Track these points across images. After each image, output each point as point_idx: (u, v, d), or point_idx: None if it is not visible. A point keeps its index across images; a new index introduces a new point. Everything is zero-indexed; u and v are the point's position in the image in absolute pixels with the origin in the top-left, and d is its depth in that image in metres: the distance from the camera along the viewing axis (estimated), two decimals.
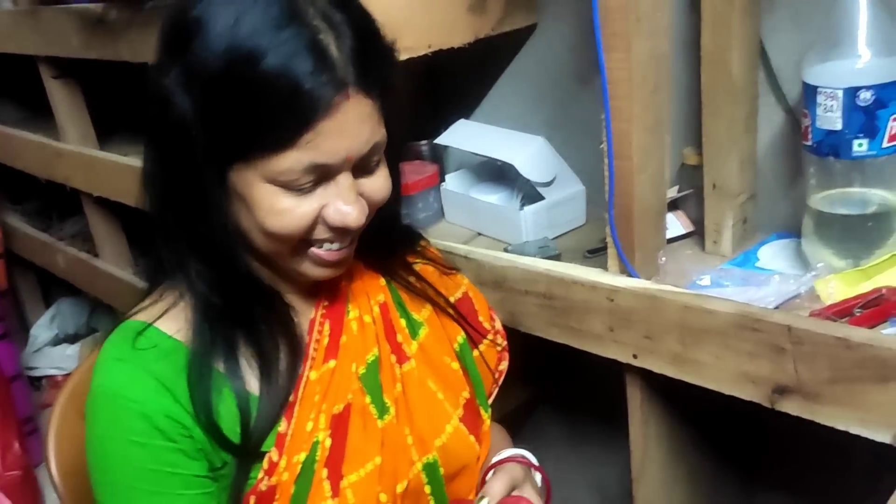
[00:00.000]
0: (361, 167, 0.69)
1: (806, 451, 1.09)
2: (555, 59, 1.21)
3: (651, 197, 0.90)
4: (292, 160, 0.64)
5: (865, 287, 0.85)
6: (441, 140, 1.24)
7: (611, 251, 0.92)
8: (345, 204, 0.67)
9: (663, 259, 0.94)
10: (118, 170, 1.70)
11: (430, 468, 0.78)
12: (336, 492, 0.72)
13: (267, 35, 0.61)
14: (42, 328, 2.64)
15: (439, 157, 1.33)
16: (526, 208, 1.12)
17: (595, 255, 1.06)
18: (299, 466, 0.71)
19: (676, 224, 1.07)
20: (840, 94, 0.82)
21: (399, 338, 0.81)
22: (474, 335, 0.87)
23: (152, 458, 0.68)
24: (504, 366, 0.91)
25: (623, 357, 0.92)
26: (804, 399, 0.76)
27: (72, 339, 2.66)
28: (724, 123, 0.96)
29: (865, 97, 0.81)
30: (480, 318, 0.90)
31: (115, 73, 1.73)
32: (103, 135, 1.87)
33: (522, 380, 0.93)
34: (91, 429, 0.70)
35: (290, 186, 0.66)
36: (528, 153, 1.12)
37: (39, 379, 2.52)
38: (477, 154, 1.24)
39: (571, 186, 1.16)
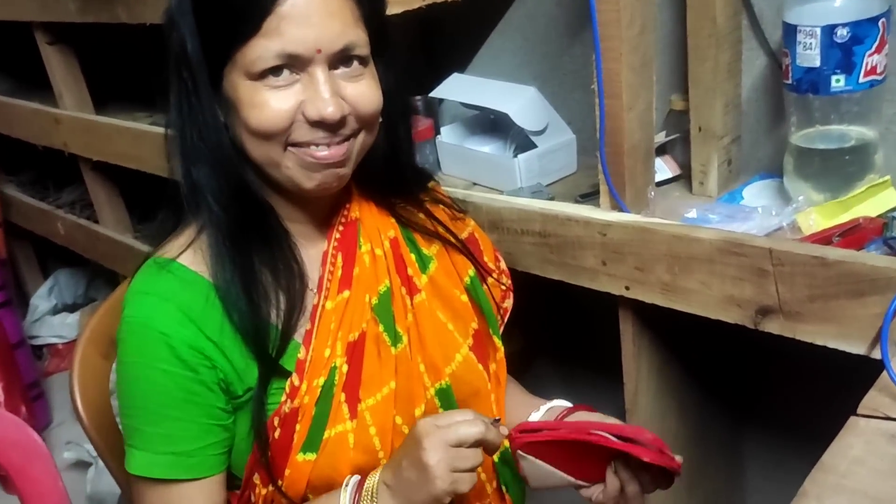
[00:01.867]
0: (341, 68, 0.71)
1: (789, 383, 1.14)
2: (544, 14, 1.24)
3: (640, 134, 0.94)
4: (261, 48, 0.68)
5: (844, 218, 0.90)
6: (436, 93, 1.28)
7: (602, 187, 0.97)
8: (318, 96, 0.69)
9: (653, 194, 0.98)
10: (116, 133, 1.72)
11: (444, 393, 0.82)
12: (354, 414, 0.76)
13: None
14: (41, 298, 2.66)
15: (434, 111, 1.36)
16: (519, 156, 1.16)
17: (586, 199, 1.10)
18: (319, 390, 0.75)
19: (664, 168, 1.12)
20: (818, 31, 0.86)
21: (409, 271, 0.84)
22: (482, 270, 0.91)
23: (176, 385, 0.72)
24: (509, 303, 0.94)
25: (616, 290, 0.97)
26: (785, 318, 0.81)
27: (70, 308, 2.69)
28: (708, 68, 1.00)
29: (842, 34, 0.85)
30: (486, 259, 0.93)
31: (110, 39, 1.75)
32: (99, 100, 1.89)
33: (520, 326, 0.97)
34: (121, 356, 0.74)
35: (268, 80, 0.69)
36: (520, 103, 1.16)
37: (41, 348, 2.56)
38: (471, 106, 1.27)
39: (562, 135, 1.20)
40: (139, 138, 1.65)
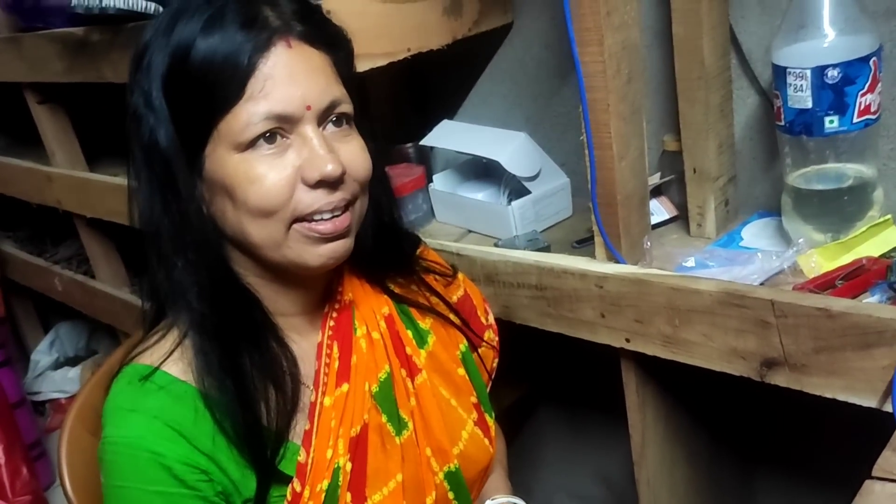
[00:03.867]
0: (330, 126, 0.69)
1: (800, 425, 1.11)
2: (532, 57, 1.23)
3: (633, 183, 0.92)
4: (248, 113, 0.64)
5: (846, 259, 0.88)
6: (426, 141, 1.26)
7: (597, 239, 0.94)
8: (315, 154, 0.66)
9: (648, 244, 0.96)
10: (109, 190, 1.71)
11: (453, 476, 0.78)
12: None
13: (199, 24, 0.66)
14: (42, 353, 2.65)
15: (426, 158, 1.35)
16: (513, 203, 1.15)
17: (583, 245, 1.08)
18: (323, 494, 0.71)
19: (661, 209, 1.10)
20: (808, 73, 0.84)
21: (408, 350, 0.80)
22: (475, 339, 0.88)
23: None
24: (496, 362, 0.92)
25: (616, 342, 0.94)
26: (791, 371, 0.78)
27: (72, 361, 2.67)
28: (700, 109, 0.98)
29: (833, 75, 0.84)
30: (479, 314, 0.91)
31: (99, 96, 1.75)
32: (91, 157, 1.89)
33: (519, 376, 0.95)
34: (108, 479, 0.69)
35: (261, 149, 0.66)
36: (511, 149, 1.15)
37: (43, 403, 2.54)
38: (462, 153, 1.26)
39: (556, 179, 1.19)
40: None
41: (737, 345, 0.82)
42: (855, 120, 0.85)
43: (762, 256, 0.91)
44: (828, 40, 0.84)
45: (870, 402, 0.73)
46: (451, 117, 1.34)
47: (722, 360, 0.84)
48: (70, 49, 1.55)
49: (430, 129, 1.28)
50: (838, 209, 0.91)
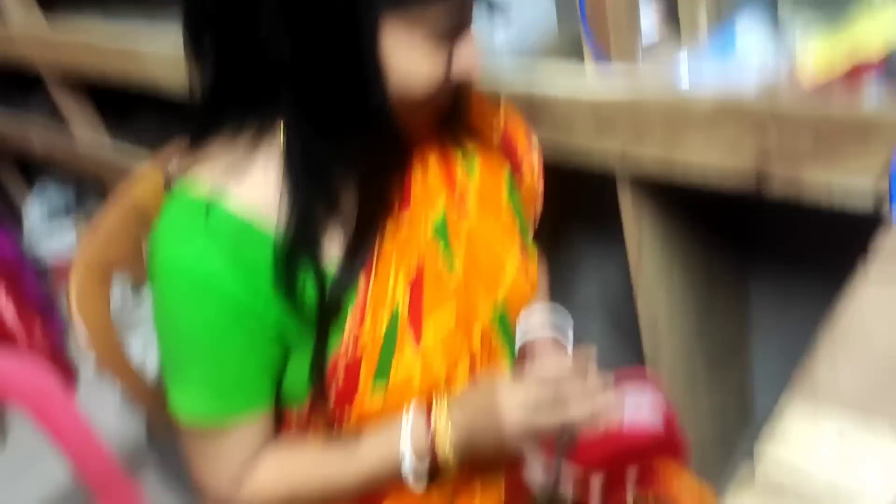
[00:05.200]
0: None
1: (795, 225, 1.13)
2: None
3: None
4: (440, 7, 0.61)
5: (843, 49, 0.86)
6: None
7: (587, 52, 0.91)
8: (473, 53, 0.65)
9: (641, 52, 0.93)
10: (72, 47, 1.64)
11: (500, 314, 0.78)
12: (418, 349, 0.71)
13: None
14: (32, 211, 2.64)
15: None
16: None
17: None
18: (384, 327, 0.70)
19: (649, 12, 1.06)
20: None
21: (459, 175, 0.78)
22: (517, 175, 0.84)
23: (228, 331, 0.66)
24: (538, 209, 0.89)
25: (611, 163, 0.94)
26: (787, 179, 0.78)
27: (63, 217, 2.66)
28: None
29: None
30: (520, 149, 0.86)
31: None
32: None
33: None
34: (161, 305, 0.68)
35: (431, 35, 0.62)
36: None
37: (42, 261, 2.56)
38: None
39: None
40: (94, 48, 1.57)
41: (732, 157, 0.81)
42: None
43: (758, 55, 0.89)
44: None
45: (865, 202, 0.74)
46: None
47: (718, 174, 0.83)
48: None
49: None
50: None
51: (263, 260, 0.65)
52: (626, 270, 1.09)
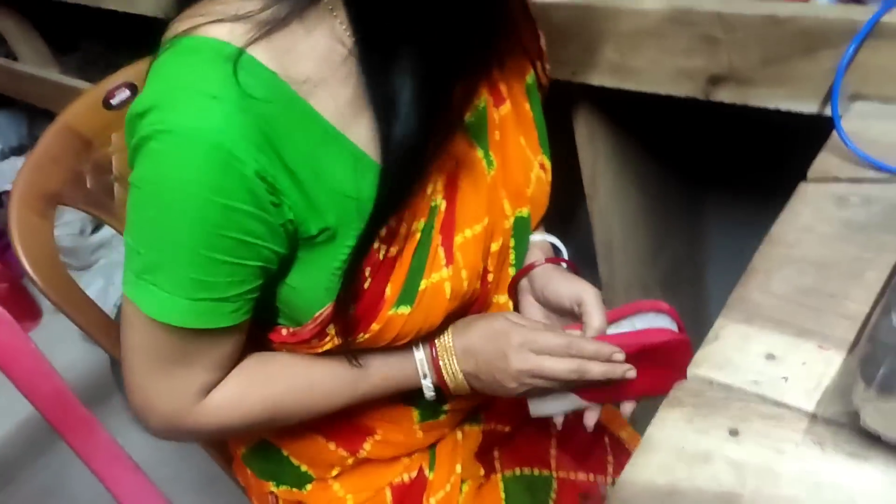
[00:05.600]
0: None
1: (746, 142, 1.13)
2: None
3: None
4: None
5: None
6: None
7: None
8: None
9: None
10: None
11: (522, 222, 0.74)
12: (450, 258, 0.65)
13: None
14: None
15: None
16: None
17: None
18: (419, 234, 0.64)
19: None
20: None
21: (496, 75, 0.71)
22: (541, 76, 0.77)
23: (234, 224, 0.55)
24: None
25: (563, 75, 0.92)
26: (737, 85, 0.77)
27: (17, 151, 2.60)
28: None
29: None
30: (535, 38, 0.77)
31: None
32: None
33: None
34: (156, 175, 0.54)
35: None
36: None
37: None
38: None
39: None
40: None
41: (684, 65, 0.80)
42: None
43: None
44: None
45: (811, 107, 0.73)
46: None
47: (669, 82, 0.82)
48: None
49: None
50: None
51: (303, 139, 0.56)
52: (580, 197, 1.09)
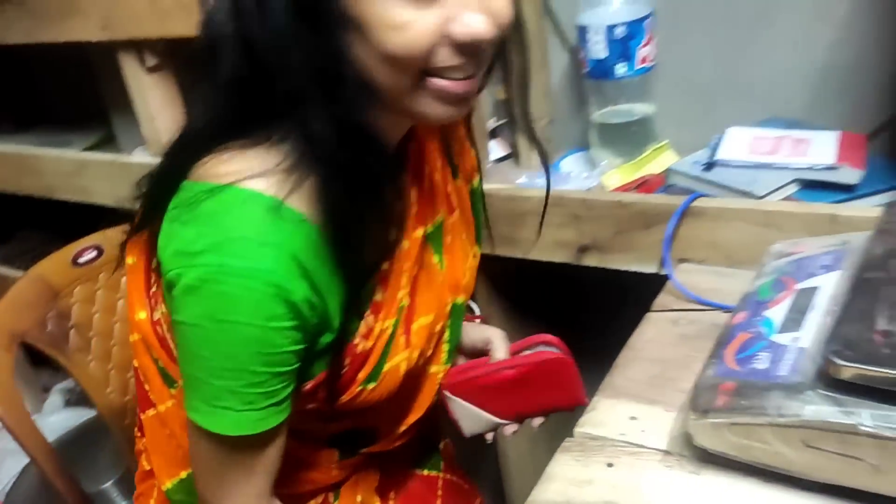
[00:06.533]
0: None
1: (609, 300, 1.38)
2: None
3: (477, 117, 1.14)
4: None
5: (637, 175, 1.15)
6: None
7: None
8: (469, 13, 0.58)
9: (489, 165, 1.18)
10: None
11: (457, 308, 0.82)
12: (408, 342, 0.76)
13: None
14: None
15: None
16: None
17: None
18: (389, 329, 0.73)
19: (497, 148, 1.33)
20: (603, 29, 1.10)
21: (449, 187, 0.81)
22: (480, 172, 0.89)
23: (288, 340, 0.64)
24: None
25: None
26: (599, 252, 1.03)
27: None
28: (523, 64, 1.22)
29: (620, 31, 1.10)
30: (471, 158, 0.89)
31: None
32: None
33: None
34: (223, 314, 0.61)
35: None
36: None
37: None
38: None
39: None
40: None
41: (559, 237, 1.05)
42: (637, 66, 1.12)
43: (574, 176, 1.17)
44: (615, 6, 1.10)
45: (652, 268, 1.00)
46: None
47: (549, 251, 1.07)
48: None
49: None
50: (629, 138, 1.17)
51: (316, 252, 0.64)
52: None
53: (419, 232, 0.76)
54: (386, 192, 0.68)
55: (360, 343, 0.72)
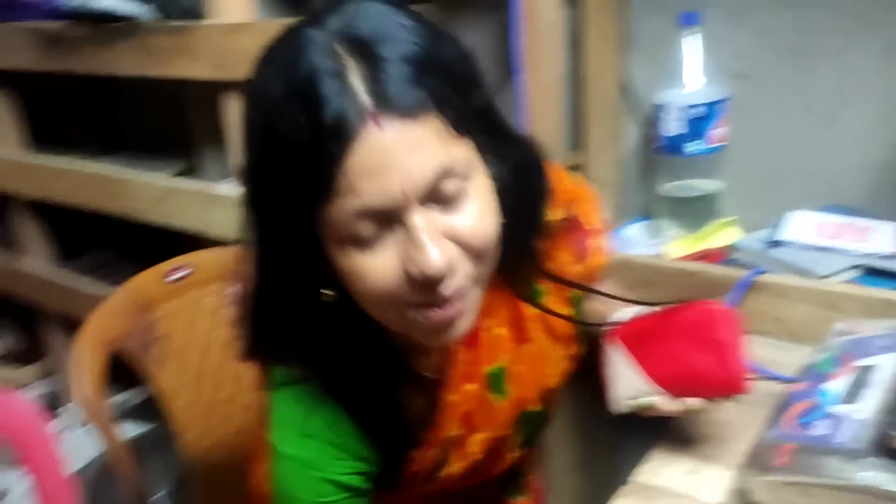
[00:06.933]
0: (439, 201, 0.59)
1: None
2: None
3: None
4: (339, 210, 0.57)
5: (698, 248, 1.20)
6: None
7: None
8: (418, 249, 0.57)
9: None
10: (54, 173, 1.85)
11: (529, 416, 0.83)
12: (465, 455, 0.80)
13: (277, 102, 0.57)
14: None
15: None
16: None
17: None
18: (438, 455, 0.79)
19: None
20: (679, 109, 1.17)
21: (528, 324, 0.79)
22: (584, 261, 0.83)
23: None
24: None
25: None
26: None
27: None
28: (599, 131, 1.30)
29: (696, 112, 1.17)
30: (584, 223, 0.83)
31: (52, 84, 1.88)
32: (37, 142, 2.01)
33: None
34: (277, 486, 0.75)
35: (358, 241, 0.59)
36: None
37: None
38: None
39: None
40: (78, 177, 1.79)
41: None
42: (708, 145, 1.18)
43: (637, 242, 1.23)
44: (692, 87, 1.17)
45: None
46: None
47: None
48: (44, 41, 1.70)
49: None
50: (694, 212, 1.23)
51: (353, 431, 0.74)
52: None
53: (470, 386, 0.76)
54: (395, 389, 0.75)
55: (413, 464, 0.78)
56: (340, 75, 0.55)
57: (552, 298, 0.79)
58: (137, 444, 1.72)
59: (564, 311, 0.79)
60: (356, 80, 0.56)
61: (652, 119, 1.24)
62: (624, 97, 1.32)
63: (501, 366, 0.78)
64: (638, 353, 0.75)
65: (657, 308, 0.80)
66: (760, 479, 0.69)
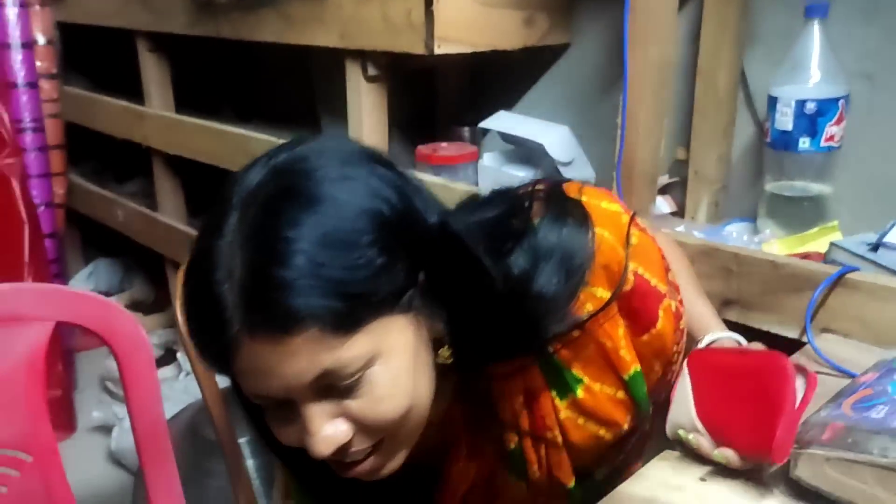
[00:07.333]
0: (333, 390, 0.61)
1: None
2: (581, 73, 1.52)
3: (648, 163, 1.19)
4: (243, 384, 0.62)
5: (798, 250, 1.14)
6: (483, 124, 1.54)
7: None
8: (306, 434, 0.62)
9: (653, 209, 1.23)
10: (196, 131, 1.99)
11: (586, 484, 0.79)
12: None
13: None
14: (80, 281, 2.89)
15: (478, 141, 1.63)
16: None
17: None
18: None
19: (665, 204, 1.37)
20: (793, 103, 1.12)
21: (543, 416, 0.73)
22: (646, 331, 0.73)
23: None
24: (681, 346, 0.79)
25: None
26: (742, 308, 1.04)
27: (105, 294, 2.91)
28: (708, 126, 1.26)
29: (810, 107, 1.12)
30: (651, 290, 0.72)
31: (198, 49, 2.03)
32: (179, 103, 2.18)
33: None
34: None
35: (266, 406, 0.64)
36: (554, 136, 1.42)
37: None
38: (510, 140, 1.53)
39: (585, 170, 1.46)
40: (218, 136, 1.91)
41: (706, 287, 1.07)
42: (821, 144, 1.13)
43: (736, 236, 1.18)
44: (811, 82, 1.12)
45: (792, 333, 0.99)
46: (507, 109, 1.62)
47: None
48: (194, 6, 1.84)
49: (484, 119, 1.55)
50: (799, 214, 1.18)
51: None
52: None
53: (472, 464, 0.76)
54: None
55: None
56: (225, 289, 0.58)
57: (591, 386, 0.72)
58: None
59: (609, 392, 0.73)
60: (234, 296, 0.58)
61: (766, 114, 1.19)
62: (739, 91, 1.28)
63: (514, 445, 0.75)
64: (700, 385, 0.73)
65: (740, 339, 0.80)
66: (803, 452, 0.65)
